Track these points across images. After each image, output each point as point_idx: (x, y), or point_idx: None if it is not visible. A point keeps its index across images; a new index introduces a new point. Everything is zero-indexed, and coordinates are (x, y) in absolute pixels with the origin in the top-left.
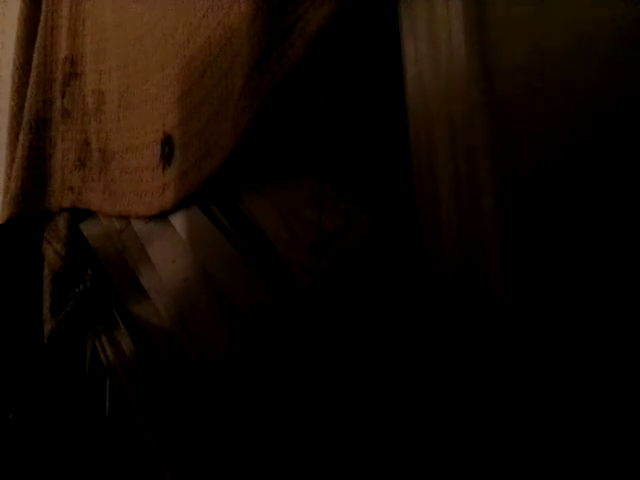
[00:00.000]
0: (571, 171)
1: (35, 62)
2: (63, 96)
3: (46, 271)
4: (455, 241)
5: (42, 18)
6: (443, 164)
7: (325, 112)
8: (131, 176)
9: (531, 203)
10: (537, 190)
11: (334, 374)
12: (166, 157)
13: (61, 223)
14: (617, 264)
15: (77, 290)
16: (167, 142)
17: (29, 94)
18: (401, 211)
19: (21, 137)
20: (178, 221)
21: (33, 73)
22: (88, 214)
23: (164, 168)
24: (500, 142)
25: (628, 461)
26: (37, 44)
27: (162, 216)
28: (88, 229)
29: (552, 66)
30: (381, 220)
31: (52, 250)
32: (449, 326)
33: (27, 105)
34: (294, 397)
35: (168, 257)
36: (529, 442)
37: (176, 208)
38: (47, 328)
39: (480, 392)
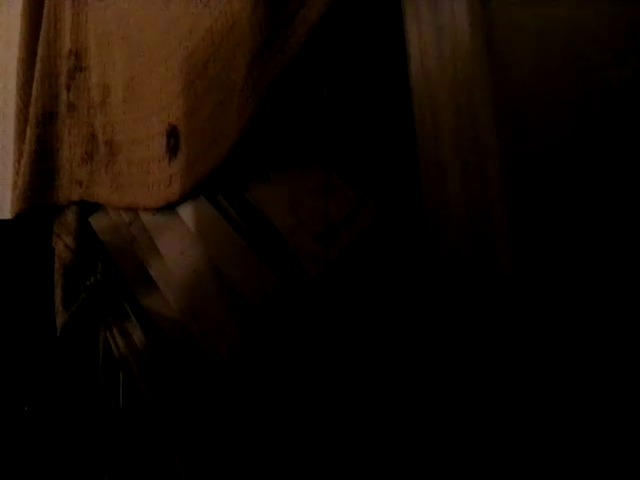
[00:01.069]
0: (581, 151)
1: (40, 56)
2: (68, 90)
3: (57, 265)
4: (463, 226)
5: (45, 12)
6: (449, 148)
7: (329, 100)
8: (138, 168)
9: (540, 184)
10: (546, 171)
11: (343, 362)
12: (172, 148)
13: (70, 217)
14: (628, 245)
15: (88, 283)
16: (172, 133)
17: (35, 89)
18: (408, 197)
19: (28, 132)
20: (186, 212)
21: (38, 67)
22: (97, 207)
23: (170, 159)
24: (507, 123)
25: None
26: (41, 38)
27: (170, 207)
28: (97, 222)
29: (562, 45)
30: (388, 207)
31: (62, 244)
32: (458, 311)
33: (33, 100)
34: (304, 387)
35: (177, 248)
36: (544, 430)
37: (183, 199)
38: (59, 321)
39: (491, 377)
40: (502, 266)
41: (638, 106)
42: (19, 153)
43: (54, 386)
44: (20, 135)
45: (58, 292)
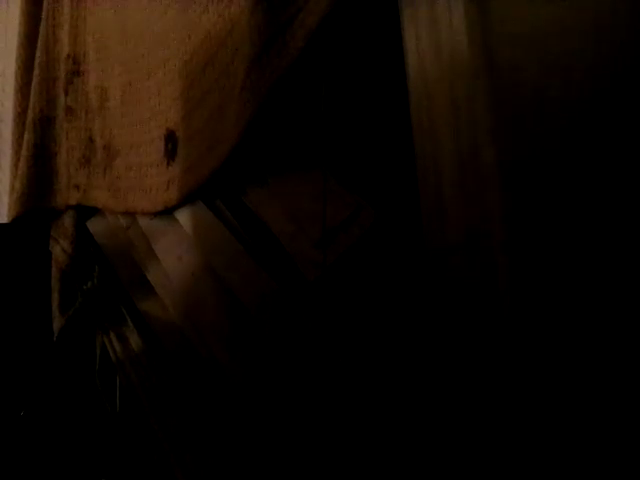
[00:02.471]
0: (578, 153)
1: (38, 61)
2: (66, 94)
3: (54, 269)
4: (460, 230)
5: (43, 16)
6: (446, 151)
7: (327, 104)
8: (136, 173)
9: (537, 187)
10: (543, 173)
11: (340, 368)
12: (170, 153)
13: (67, 221)
14: (625, 248)
15: (85, 287)
16: (170, 138)
17: (33, 93)
18: (406, 202)
19: (26, 136)
20: (183, 217)
21: (36, 72)
22: (94, 211)
23: (168, 164)
24: (504, 126)
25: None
26: (39, 42)
27: (167, 212)
28: (94, 226)
29: (558, 43)
30: (386, 212)
31: (59, 248)
32: (455, 315)
33: (31, 104)
34: (303, 392)
35: (174, 253)
36: (537, 438)
37: (181, 204)
38: (56, 325)
39: (487, 383)
40: (499, 277)
41: (636, 109)
42: (17, 157)
43: (51, 391)
44: (18, 139)
45: (55, 296)
